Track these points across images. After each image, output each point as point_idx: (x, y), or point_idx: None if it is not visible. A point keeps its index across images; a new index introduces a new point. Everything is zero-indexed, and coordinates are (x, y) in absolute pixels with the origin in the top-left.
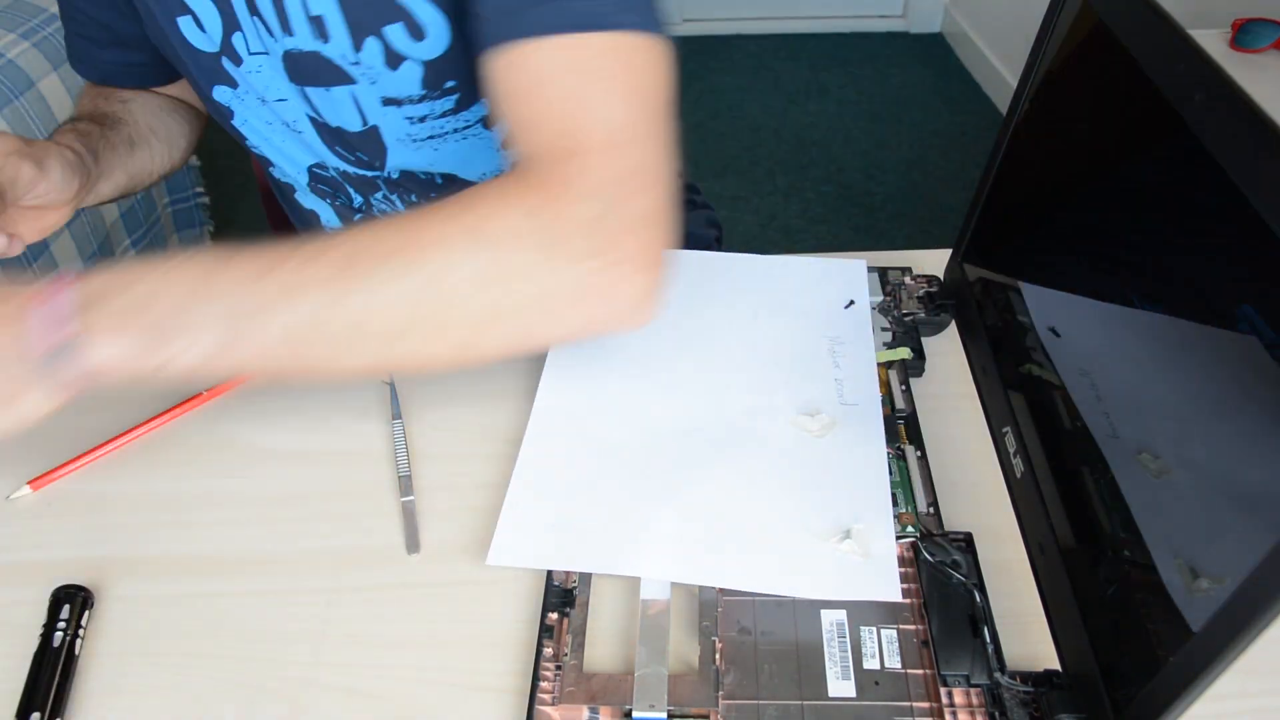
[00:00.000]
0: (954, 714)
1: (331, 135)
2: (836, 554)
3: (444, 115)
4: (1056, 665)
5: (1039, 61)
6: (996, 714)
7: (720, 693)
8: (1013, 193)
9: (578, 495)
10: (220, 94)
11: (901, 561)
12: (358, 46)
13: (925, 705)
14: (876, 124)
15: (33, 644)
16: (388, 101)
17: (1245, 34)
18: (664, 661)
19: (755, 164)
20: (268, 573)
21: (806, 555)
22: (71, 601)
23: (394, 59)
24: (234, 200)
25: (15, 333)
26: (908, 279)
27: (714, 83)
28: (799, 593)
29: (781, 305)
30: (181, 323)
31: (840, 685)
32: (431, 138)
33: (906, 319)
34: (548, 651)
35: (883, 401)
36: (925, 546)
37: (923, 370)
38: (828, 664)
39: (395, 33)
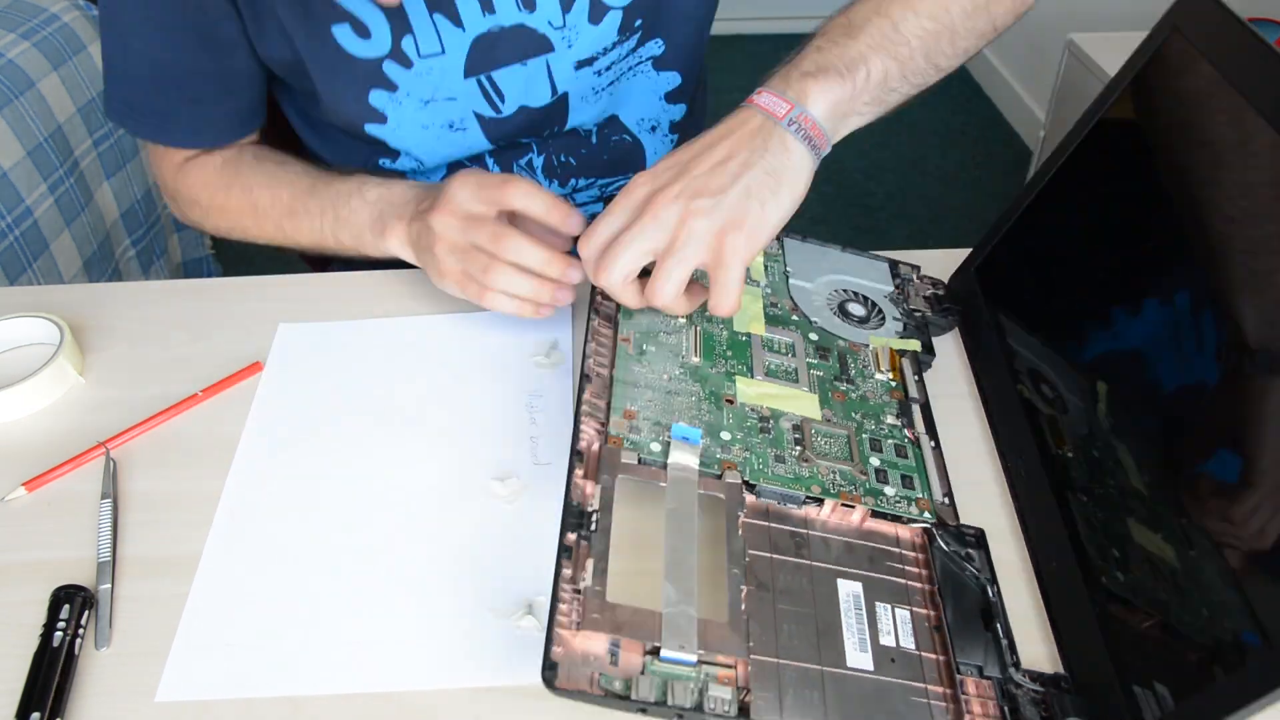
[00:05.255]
0: (967, 704)
1: (498, 126)
2: (517, 632)
3: (625, 56)
4: (1057, 666)
5: (1112, 98)
6: (1007, 709)
7: (751, 644)
8: (1049, 224)
9: (262, 612)
10: (376, 98)
11: (913, 547)
12: (566, 8)
13: (940, 690)
14: (876, 123)
15: (33, 644)
16: (580, 64)
17: None
18: (692, 603)
19: None
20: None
21: (487, 638)
22: (71, 601)
23: (598, 12)
24: None
25: (751, 132)
26: (916, 277)
27: (714, 83)
28: (478, 681)
29: (478, 363)
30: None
31: (858, 657)
32: (611, 84)
33: (915, 314)
34: (566, 573)
35: (896, 387)
36: (940, 535)
37: (930, 364)
38: (845, 634)
39: None
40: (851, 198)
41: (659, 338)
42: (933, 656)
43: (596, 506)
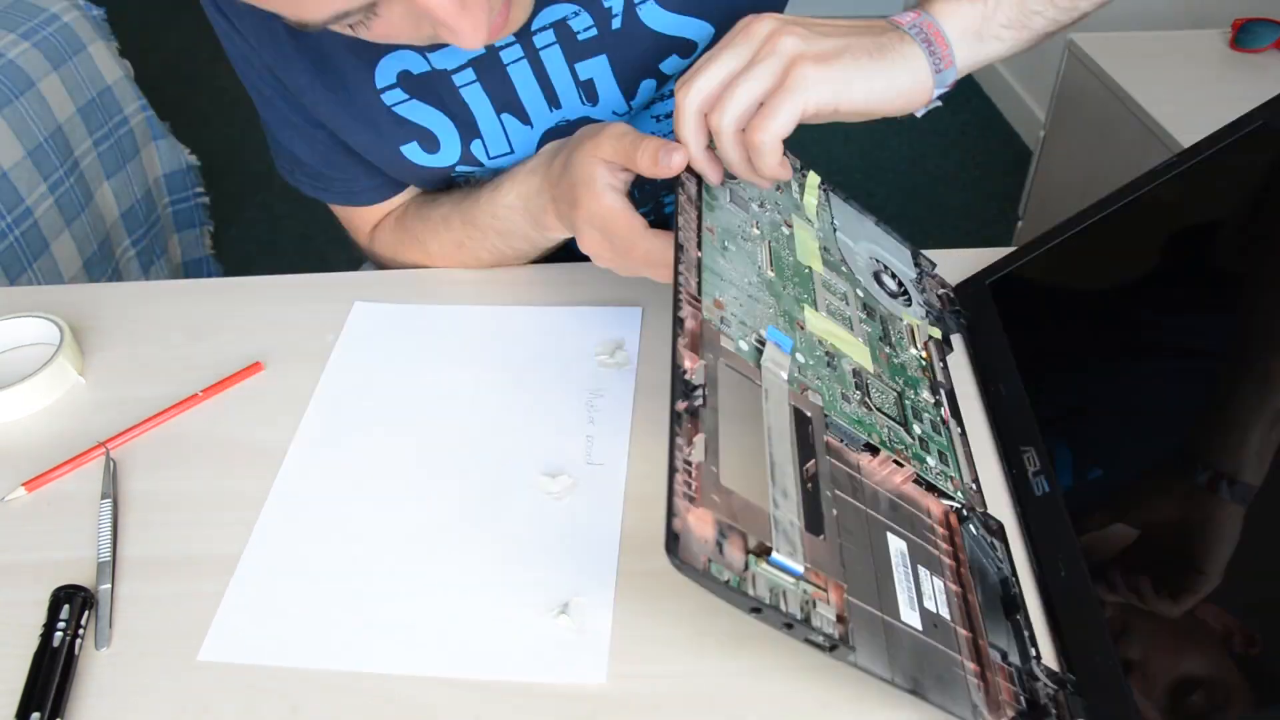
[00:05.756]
0: (997, 685)
1: None
2: (551, 630)
3: None
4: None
5: (1182, 165)
6: (1023, 698)
7: (846, 569)
8: (1084, 262)
9: (307, 584)
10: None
11: (942, 523)
12: (630, 95)
13: (974, 667)
14: (876, 124)
15: (33, 644)
16: (652, 118)
17: (1245, 34)
18: (796, 513)
19: None
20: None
21: (520, 633)
22: (71, 601)
23: (665, 83)
24: (234, 200)
25: (874, 27)
26: (930, 273)
27: None
28: (506, 675)
29: (544, 357)
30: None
31: (909, 614)
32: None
33: (932, 307)
34: (680, 442)
35: (926, 367)
36: (970, 518)
37: (947, 355)
38: (897, 588)
39: (669, 64)
40: (851, 197)
41: (738, 240)
42: (965, 632)
43: (702, 381)
